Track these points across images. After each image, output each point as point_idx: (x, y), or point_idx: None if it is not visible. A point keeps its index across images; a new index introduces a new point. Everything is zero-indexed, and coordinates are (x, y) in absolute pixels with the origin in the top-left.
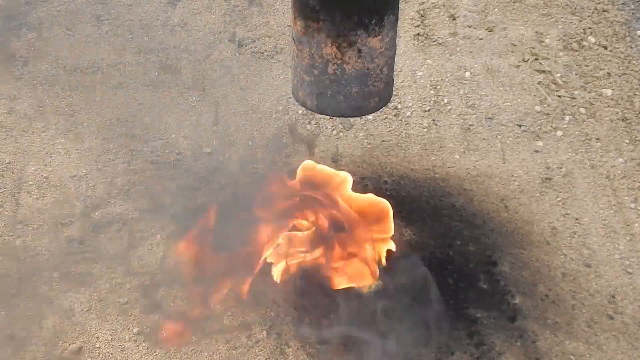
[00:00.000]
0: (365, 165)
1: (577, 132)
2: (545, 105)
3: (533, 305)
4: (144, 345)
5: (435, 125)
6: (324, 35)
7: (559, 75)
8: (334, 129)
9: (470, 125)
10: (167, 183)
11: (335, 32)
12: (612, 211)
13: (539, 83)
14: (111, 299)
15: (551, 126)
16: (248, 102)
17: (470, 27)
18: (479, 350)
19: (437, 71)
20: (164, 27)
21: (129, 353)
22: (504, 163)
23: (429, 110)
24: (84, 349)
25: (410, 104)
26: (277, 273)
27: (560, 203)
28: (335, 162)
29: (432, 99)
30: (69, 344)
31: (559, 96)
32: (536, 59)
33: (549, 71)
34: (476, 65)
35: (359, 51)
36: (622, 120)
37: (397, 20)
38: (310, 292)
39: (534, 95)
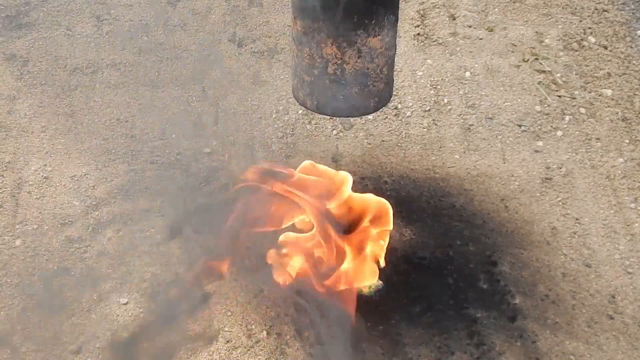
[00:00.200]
0: (365, 165)
1: (577, 132)
2: (545, 105)
3: (533, 305)
4: (144, 344)
5: (435, 125)
6: (324, 35)
7: (559, 75)
8: (334, 129)
9: (470, 125)
10: (167, 183)
11: (335, 32)
12: (612, 211)
13: (539, 83)
14: (111, 299)
15: (551, 126)
16: (248, 102)
17: (470, 27)
18: (479, 350)
19: (437, 71)
20: (164, 27)
21: (129, 353)
22: (504, 163)
23: (429, 110)
24: (84, 349)
25: (410, 104)
26: (277, 274)
27: (560, 203)
28: (335, 162)
29: (432, 99)
30: (69, 344)
31: (559, 96)
32: (536, 59)
33: (549, 71)
34: (476, 65)
35: (359, 51)
36: (622, 120)
37: (397, 20)
38: (310, 293)
39: (534, 95)
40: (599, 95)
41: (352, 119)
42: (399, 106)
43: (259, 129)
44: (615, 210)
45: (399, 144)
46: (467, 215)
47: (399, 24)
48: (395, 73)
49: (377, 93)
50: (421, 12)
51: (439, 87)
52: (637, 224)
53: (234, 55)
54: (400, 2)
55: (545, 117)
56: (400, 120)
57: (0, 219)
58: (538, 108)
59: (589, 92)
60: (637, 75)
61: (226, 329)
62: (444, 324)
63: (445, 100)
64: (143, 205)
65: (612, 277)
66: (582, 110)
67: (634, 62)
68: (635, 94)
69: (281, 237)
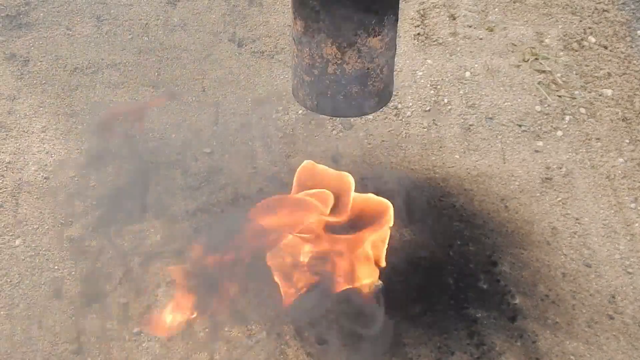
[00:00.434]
0: (365, 165)
1: (577, 132)
2: (545, 105)
3: (533, 305)
4: (144, 345)
5: (435, 125)
6: (324, 35)
7: (559, 75)
8: (334, 129)
9: (470, 125)
10: (167, 183)
11: (335, 32)
12: (612, 211)
13: (539, 83)
14: (111, 299)
15: (551, 126)
16: (248, 102)
17: (470, 27)
18: (479, 350)
19: (437, 71)
20: (164, 27)
21: (129, 353)
22: (504, 163)
23: (429, 110)
24: (84, 349)
25: (410, 104)
26: (278, 275)
27: (560, 203)
28: (335, 162)
29: (432, 99)
30: (69, 344)
31: (559, 96)
32: (536, 59)
33: (549, 71)
34: (476, 65)
35: (359, 51)
36: (622, 120)
37: (397, 20)
38: (312, 293)
39: (534, 95)
40: (599, 95)
41: (352, 119)
42: (399, 106)
43: (259, 129)
44: (615, 210)
45: (399, 144)
46: (467, 215)
47: (399, 24)
48: (395, 73)
49: (377, 93)
50: (421, 12)
51: (439, 87)
52: (637, 224)
53: (234, 55)
54: (400, 2)
55: (545, 117)
56: (400, 120)
57: (0, 219)
58: (538, 108)
59: (589, 92)
60: (637, 75)
61: (226, 329)
62: (444, 324)
63: (445, 100)
64: (143, 205)
65: (612, 277)
66: (582, 110)
67: (634, 62)
68: (635, 94)
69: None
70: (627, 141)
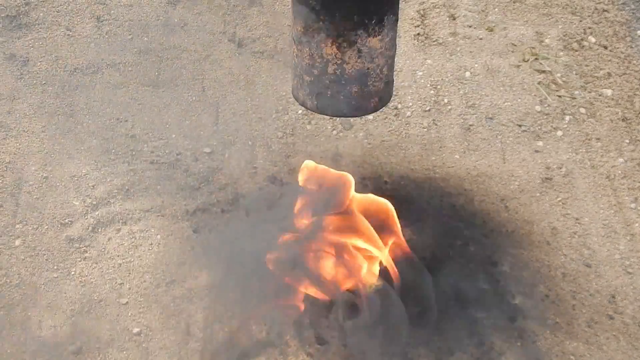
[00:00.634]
0: (365, 165)
1: (577, 132)
2: (545, 105)
3: (533, 305)
4: (144, 345)
5: (435, 125)
6: (324, 35)
7: (559, 75)
8: (334, 129)
9: (470, 125)
10: (167, 183)
11: (335, 32)
12: (612, 211)
13: (539, 83)
14: (111, 299)
15: (551, 126)
16: (248, 102)
17: (470, 27)
18: (479, 350)
19: (437, 71)
20: (164, 27)
21: (129, 353)
22: (504, 163)
23: (429, 110)
24: (84, 349)
25: (410, 104)
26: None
27: (560, 203)
28: (335, 162)
29: (432, 99)
30: (69, 344)
31: (559, 96)
32: (536, 59)
33: (549, 71)
34: (476, 65)
35: (359, 51)
36: (622, 120)
37: (397, 20)
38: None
39: (534, 95)
40: (599, 95)
41: (352, 119)
42: (399, 106)
43: (259, 129)
44: (615, 210)
45: (399, 144)
46: (467, 215)
47: (399, 24)
48: (395, 73)
49: (377, 93)
50: (421, 12)
51: (439, 87)
52: (637, 224)
53: (234, 55)
54: (400, 2)
55: (545, 117)
56: (400, 120)
57: (0, 219)
58: (538, 108)
59: (589, 92)
60: (637, 75)
61: (226, 329)
62: (444, 324)
63: (445, 100)
64: (143, 205)
65: (612, 277)
66: (582, 110)
67: (634, 62)
68: (635, 94)
69: (281, 239)
70: (627, 141)
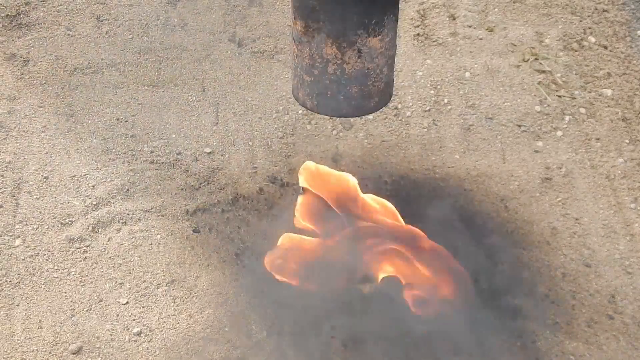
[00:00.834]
0: (365, 165)
1: (577, 132)
2: (545, 105)
3: (533, 305)
4: (144, 345)
5: (435, 125)
6: (324, 35)
7: (559, 75)
8: (334, 129)
9: (470, 125)
10: (167, 183)
11: (335, 32)
12: (612, 211)
13: (539, 83)
14: (111, 299)
15: (551, 126)
16: (248, 102)
17: (470, 27)
18: (479, 350)
19: (437, 71)
20: (164, 27)
21: (129, 353)
22: (504, 163)
23: (429, 110)
24: (84, 349)
25: (410, 104)
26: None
27: (560, 203)
28: (335, 162)
29: (432, 99)
30: (69, 344)
31: (559, 96)
32: (536, 59)
33: (549, 71)
34: (476, 65)
35: (359, 51)
36: (622, 120)
37: (397, 20)
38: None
39: (534, 95)
40: (599, 95)
41: (352, 119)
42: (399, 106)
43: (259, 129)
44: (615, 210)
45: (399, 144)
46: (467, 215)
47: (399, 24)
48: (395, 73)
49: (377, 93)
50: (421, 12)
51: (439, 87)
52: (637, 224)
53: (234, 55)
54: (400, 2)
55: (545, 117)
56: (400, 120)
57: (0, 219)
58: (538, 108)
59: (589, 92)
60: (637, 75)
61: (226, 329)
62: (444, 324)
63: (445, 100)
64: (143, 205)
65: (612, 277)
66: (582, 110)
67: (634, 62)
68: (635, 94)
69: (281, 240)
70: (627, 141)
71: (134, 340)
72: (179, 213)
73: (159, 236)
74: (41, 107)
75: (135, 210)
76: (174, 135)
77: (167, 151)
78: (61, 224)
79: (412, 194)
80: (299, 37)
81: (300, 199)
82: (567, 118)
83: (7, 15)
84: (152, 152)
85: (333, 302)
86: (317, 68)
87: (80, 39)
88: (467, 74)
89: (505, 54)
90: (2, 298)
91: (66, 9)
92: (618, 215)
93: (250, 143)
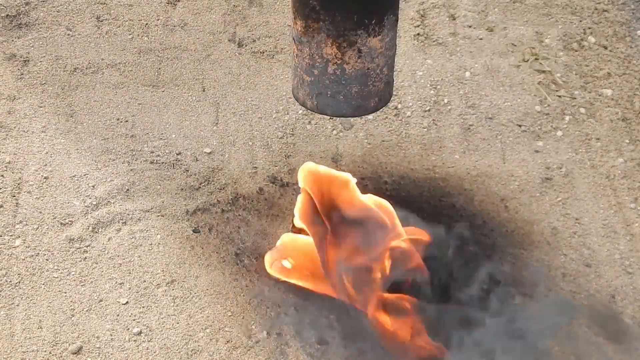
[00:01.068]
0: (365, 165)
1: (577, 132)
2: (545, 105)
3: (533, 305)
4: (144, 345)
5: (435, 125)
6: (324, 35)
7: (559, 75)
8: (334, 129)
9: (470, 125)
10: (167, 183)
11: (335, 32)
12: (612, 211)
13: (539, 83)
14: (111, 299)
15: (551, 126)
16: (248, 102)
17: (470, 27)
18: (479, 351)
19: (437, 71)
20: (164, 27)
21: (129, 353)
22: (504, 163)
23: (429, 110)
24: (84, 349)
25: (410, 104)
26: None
27: (560, 203)
28: (335, 162)
29: (432, 99)
30: (69, 344)
31: (559, 96)
32: (536, 59)
33: (549, 71)
34: (476, 65)
35: (359, 51)
36: (622, 120)
37: (397, 20)
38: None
39: (534, 95)
40: (599, 95)
41: (352, 119)
42: (399, 106)
43: (259, 129)
44: (615, 210)
45: (399, 144)
46: (467, 215)
47: (399, 24)
48: (395, 73)
49: (377, 93)
50: (421, 12)
51: (439, 87)
52: (637, 224)
53: (234, 55)
54: (400, 2)
55: (545, 117)
56: (400, 120)
57: (0, 219)
58: (538, 108)
59: (589, 92)
60: (637, 75)
61: (226, 329)
62: (444, 324)
63: (445, 100)
64: (143, 205)
65: (612, 277)
66: (582, 110)
67: (634, 62)
68: (635, 94)
69: (281, 240)
70: (627, 141)
71: (134, 340)
72: (178, 213)
73: (158, 236)
74: (41, 107)
75: (135, 210)
76: (174, 135)
77: (167, 151)
78: (61, 224)
79: (412, 194)
80: (299, 37)
81: (300, 199)
82: (567, 118)
83: (7, 15)
84: (152, 152)
85: (333, 302)
86: (317, 68)
87: (80, 39)
88: (467, 74)
89: (505, 54)
90: (2, 298)
91: (66, 9)
92: (618, 215)
93: (250, 143)
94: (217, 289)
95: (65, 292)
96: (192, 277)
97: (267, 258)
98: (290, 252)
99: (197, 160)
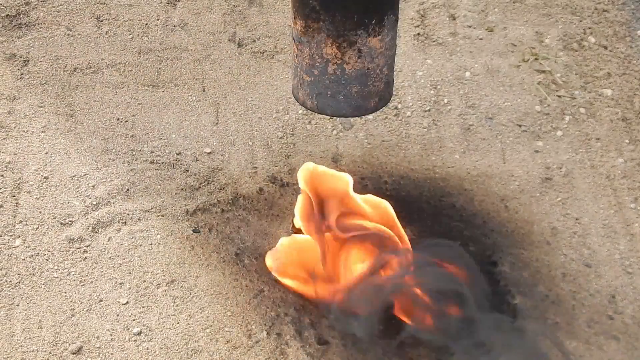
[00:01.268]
0: (365, 165)
1: (577, 132)
2: (545, 105)
3: (533, 305)
4: (144, 345)
5: (435, 125)
6: (324, 35)
7: (559, 75)
8: (334, 129)
9: (470, 125)
10: (167, 183)
11: (335, 32)
12: (612, 211)
13: (539, 83)
14: (111, 299)
15: (551, 126)
16: (248, 102)
17: (470, 27)
18: (479, 351)
19: (437, 71)
20: (164, 27)
21: (129, 353)
22: (504, 163)
23: (429, 110)
24: (84, 349)
25: (410, 104)
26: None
27: (560, 203)
28: (335, 162)
29: (432, 99)
30: (69, 344)
31: (559, 96)
32: (536, 59)
33: (549, 71)
34: (476, 65)
35: (359, 51)
36: (622, 120)
37: (397, 20)
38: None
39: (534, 95)
40: (599, 95)
41: (352, 119)
42: (399, 106)
43: (259, 129)
44: (615, 210)
45: (399, 144)
46: (467, 215)
47: (399, 24)
48: (395, 73)
49: (377, 93)
50: (421, 12)
51: (439, 87)
52: (637, 224)
53: (234, 55)
54: (400, 2)
55: (545, 117)
56: (400, 120)
57: (0, 219)
58: (538, 108)
59: (589, 92)
60: (637, 75)
61: (226, 329)
62: (444, 324)
63: (445, 100)
64: (143, 205)
65: (612, 277)
66: (582, 110)
67: (634, 62)
68: (635, 94)
69: (281, 240)
70: (627, 141)
71: (134, 340)
72: (179, 213)
73: (158, 236)
74: (41, 107)
75: (135, 210)
76: (174, 135)
77: (167, 151)
78: (61, 224)
79: (412, 194)
80: (299, 37)
81: (300, 199)
82: (567, 118)
83: (7, 15)
84: (152, 152)
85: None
86: (317, 68)
87: (80, 39)
88: (467, 74)
89: (505, 54)
90: (2, 298)
91: (66, 9)
92: (618, 215)
93: (250, 143)
94: (217, 289)
95: (65, 292)
96: (192, 277)
97: (267, 258)
98: (290, 252)
99: (197, 160)
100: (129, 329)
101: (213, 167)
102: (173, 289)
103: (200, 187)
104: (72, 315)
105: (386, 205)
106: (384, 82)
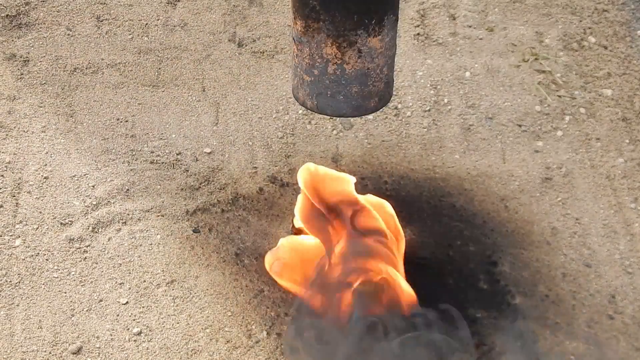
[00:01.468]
0: (365, 165)
1: (577, 132)
2: (545, 105)
3: (533, 305)
4: (144, 345)
5: (435, 125)
6: (324, 35)
7: (559, 75)
8: (334, 129)
9: (470, 125)
10: (167, 183)
11: (335, 32)
12: (612, 211)
13: (539, 83)
14: (111, 299)
15: (551, 126)
16: (248, 102)
17: (470, 27)
18: (479, 350)
19: (437, 71)
20: (164, 27)
21: (129, 353)
22: (504, 163)
23: (429, 110)
24: (84, 349)
25: (410, 104)
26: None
27: (560, 203)
28: (335, 162)
29: (432, 99)
30: (69, 344)
31: (559, 96)
32: (536, 59)
33: (549, 71)
34: (476, 65)
35: (359, 51)
36: (622, 120)
37: (397, 20)
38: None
39: (534, 95)
40: (599, 95)
41: (352, 119)
42: (399, 106)
43: (259, 129)
44: (615, 210)
45: (399, 144)
46: (467, 215)
47: (399, 24)
48: (395, 73)
49: (377, 93)
50: (421, 12)
51: (439, 87)
52: (637, 224)
53: (234, 55)
54: (400, 2)
55: (545, 117)
56: (400, 120)
57: (0, 219)
58: (538, 108)
59: (589, 92)
60: (637, 75)
61: (226, 329)
62: (444, 324)
63: (445, 100)
64: (143, 205)
65: (612, 277)
66: (582, 110)
67: (634, 62)
68: (635, 94)
69: (281, 240)
70: (627, 141)
71: (134, 340)
72: (178, 213)
73: (158, 236)
74: (41, 107)
75: (135, 210)
76: (174, 135)
77: (167, 151)
78: (61, 224)
79: (412, 194)
80: (299, 37)
81: (300, 199)
82: (567, 118)
83: (7, 15)
84: (152, 152)
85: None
86: (317, 68)
87: (80, 39)
88: (467, 74)
89: (505, 54)
90: (2, 298)
91: (66, 9)
92: (618, 215)
93: (250, 143)
94: (217, 289)
95: (65, 292)
96: (192, 277)
97: (267, 258)
98: (289, 253)
99: (197, 160)
100: (129, 329)
101: (213, 167)
102: (173, 289)
103: (200, 187)
104: (72, 315)
105: (386, 205)
106: (384, 82)
